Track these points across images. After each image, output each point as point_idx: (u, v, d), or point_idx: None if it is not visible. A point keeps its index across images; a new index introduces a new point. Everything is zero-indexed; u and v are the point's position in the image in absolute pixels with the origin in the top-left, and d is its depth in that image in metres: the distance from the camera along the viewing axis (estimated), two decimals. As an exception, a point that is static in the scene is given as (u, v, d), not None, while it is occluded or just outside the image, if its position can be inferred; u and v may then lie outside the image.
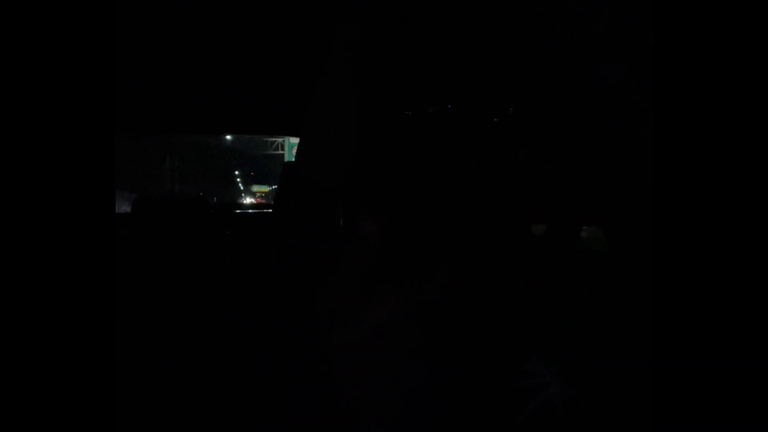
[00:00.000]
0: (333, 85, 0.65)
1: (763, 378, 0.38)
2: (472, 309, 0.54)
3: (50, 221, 0.39)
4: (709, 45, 0.41)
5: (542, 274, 0.60)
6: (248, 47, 1.48)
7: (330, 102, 0.65)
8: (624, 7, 0.65)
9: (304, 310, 0.41)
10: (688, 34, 0.41)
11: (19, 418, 0.37)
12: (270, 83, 1.63)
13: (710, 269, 0.39)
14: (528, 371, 0.53)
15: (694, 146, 0.40)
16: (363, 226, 0.39)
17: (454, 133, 0.54)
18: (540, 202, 0.59)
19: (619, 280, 0.59)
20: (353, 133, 0.62)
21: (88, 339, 0.39)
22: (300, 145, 0.72)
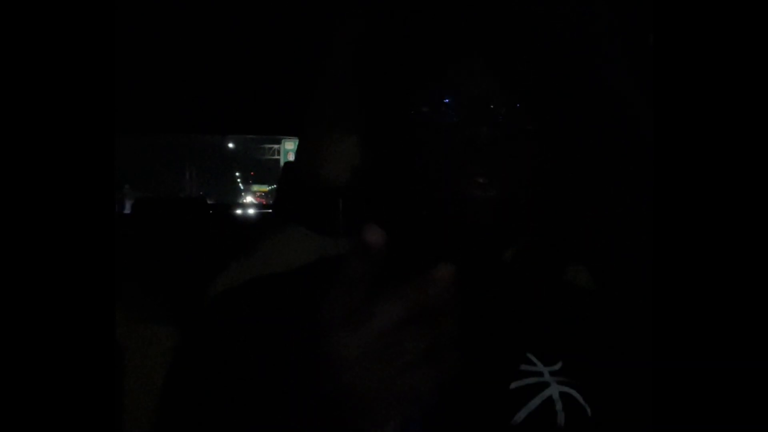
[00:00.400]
0: (334, 84, 0.65)
1: (764, 378, 0.38)
2: (470, 308, 0.54)
3: (50, 221, 0.39)
4: (709, 45, 0.41)
5: (542, 274, 0.60)
6: (248, 47, 1.48)
7: (330, 101, 0.65)
8: (624, 7, 0.65)
9: (307, 311, 0.41)
10: (687, 35, 0.41)
11: (19, 418, 0.37)
12: (270, 83, 1.63)
13: (711, 269, 0.39)
14: (527, 371, 0.53)
15: (694, 146, 0.40)
16: (367, 231, 0.38)
17: (456, 134, 0.54)
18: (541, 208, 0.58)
19: (618, 282, 0.59)
20: (354, 133, 0.62)
21: (88, 339, 0.39)
22: (299, 145, 0.71)
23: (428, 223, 0.54)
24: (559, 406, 0.51)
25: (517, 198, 0.54)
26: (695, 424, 0.39)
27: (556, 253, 0.61)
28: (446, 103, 0.54)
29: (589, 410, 0.52)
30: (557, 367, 0.53)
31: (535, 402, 0.51)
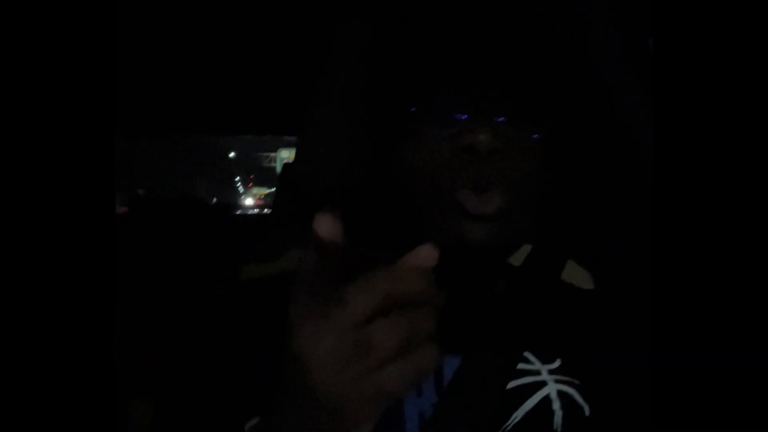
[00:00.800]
0: (334, 86, 0.65)
1: (764, 378, 0.38)
2: (469, 308, 0.54)
3: (50, 221, 0.39)
4: (709, 45, 0.41)
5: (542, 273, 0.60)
6: (248, 47, 1.48)
7: (330, 103, 0.65)
8: (624, 7, 0.65)
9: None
10: (687, 35, 0.41)
11: (18, 418, 0.37)
12: (270, 83, 1.63)
13: (711, 269, 0.39)
14: (524, 369, 0.53)
15: (695, 147, 0.40)
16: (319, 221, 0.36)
17: (456, 140, 0.54)
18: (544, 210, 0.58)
19: (618, 280, 0.59)
20: (353, 135, 0.62)
21: (87, 340, 0.39)
22: (298, 145, 0.71)
23: (424, 226, 0.54)
24: (556, 405, 0.51)
25: (518, 203, 0.54)
26: (695, 424, 0.39)
27: (556, 252, 0.61)
28: (446, 107, 0.54)
29: (586, 409, 0.52)
30: (555, 365, 0.53)
31: (532, 402, 0.51)
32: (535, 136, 0.55)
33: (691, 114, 0.41)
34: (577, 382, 0.53)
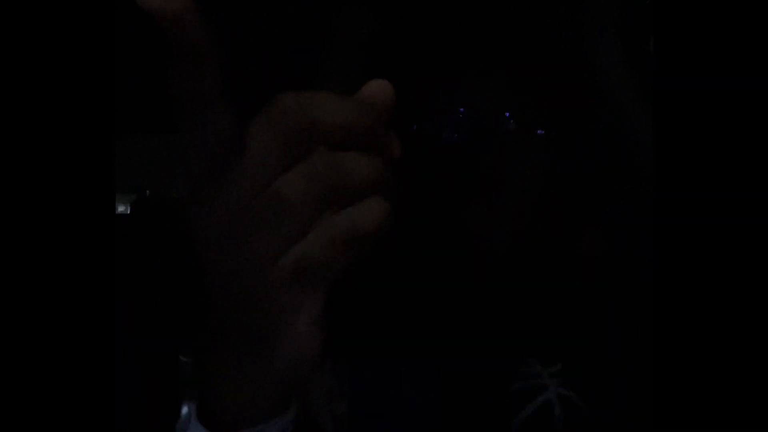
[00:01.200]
0: (333, 75, 0.64)
1: (764, 378, 0.37)
2: (468, 308, 0.54)
3: (50, 222, 0.39)
4: (709, 45, 0.41)
5: (541, 273, 0.60)
6: (248, 47, 1.48)
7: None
8: (624, 7, 0.65)
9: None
10: (687, 35, 0.41)
11: (19, 419, 0.37)
12: (270, 83, 1.64)
13: (711, 269, 0.39)
14: (525, 373, 0.53)
15: (695, 147, 0.40)
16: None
17: (460, 137, 0.54)
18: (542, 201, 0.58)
19: (619, 281, 0.59)
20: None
21: (87, 340, 0.39)
22: None
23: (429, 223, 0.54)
24: (557, 410, 0.51)
25: (519, 209, 0.54)
26: (695, 424, 0.38)
27: (556, 254, 0.61)
28: (447, 119, 0.54)
29: (587, 412, 0.52)
30: (556, 368, 0.53)
31: (532, 407, 0.51)
32: (540, 131, 0.55)
33: (691, 114, 0.40)
34: (578, 385, 0.53)
